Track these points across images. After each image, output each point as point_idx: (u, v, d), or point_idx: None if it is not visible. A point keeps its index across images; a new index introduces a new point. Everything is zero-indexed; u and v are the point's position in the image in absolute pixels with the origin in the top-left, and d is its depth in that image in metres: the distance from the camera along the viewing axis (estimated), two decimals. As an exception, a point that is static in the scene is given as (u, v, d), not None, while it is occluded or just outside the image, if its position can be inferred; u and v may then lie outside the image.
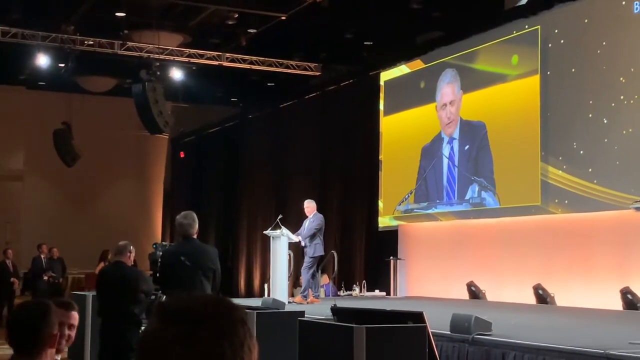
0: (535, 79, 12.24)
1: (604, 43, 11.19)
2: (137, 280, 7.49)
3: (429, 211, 14.44)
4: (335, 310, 6.25)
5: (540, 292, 11.63)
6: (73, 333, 3.81)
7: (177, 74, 18.21)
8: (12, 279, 17.32)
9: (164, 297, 9.47)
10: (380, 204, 15.64)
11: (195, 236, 7.15)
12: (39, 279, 17.72)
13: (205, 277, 6.92)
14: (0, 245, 21.13)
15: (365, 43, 17.51)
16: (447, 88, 14.20)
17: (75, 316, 3.86)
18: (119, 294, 7.39)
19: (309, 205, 12.54)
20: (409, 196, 14.95)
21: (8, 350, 3.12)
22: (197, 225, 7.18)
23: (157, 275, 11.02)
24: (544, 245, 12.06)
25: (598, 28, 11.37)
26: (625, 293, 10.36)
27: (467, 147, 13.67)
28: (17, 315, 3.15)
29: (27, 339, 3.02)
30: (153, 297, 8.90)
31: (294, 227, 12.47)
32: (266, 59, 18.13)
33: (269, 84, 20.74)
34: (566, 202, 11.56)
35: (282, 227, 11.79)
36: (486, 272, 13.05)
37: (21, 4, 15.42)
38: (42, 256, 18.12)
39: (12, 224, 22.72)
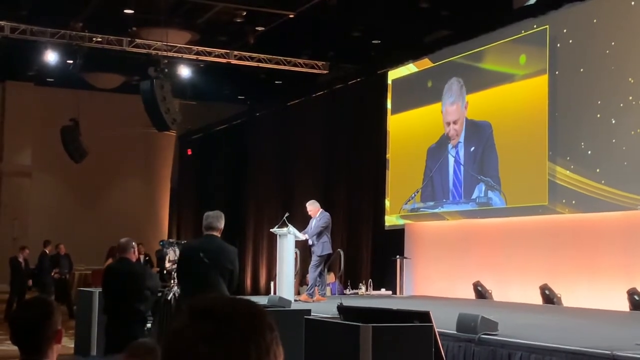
0: (544, 79, 12.21)
1: (613, 43, 11.16)
2: (142, 277, 7.51)
3: (436, 210, 14.43)
4: (341, 308, 6.25)
5: (547, 292, 11.61)
6: None
7: (185, 72, 18.23)
8: (25, 279, 17.40)
9: (171, 294, 9.50)
10: (387, 203, 15.63)
11: (218, 234, 7.11)
12: (46, 275, 17.77)
13: (221, 276, 6.83)
14: (7, 241, 21.22)
15: (373, 42, 17.49)
16: (452, 107, 14.19)
17: None
18: (124, 290, 7.40)
19: (311, 208, 12.49)
20: (415, 195, 14.94)
21: (13, 346, 3.12)
22: (222, 223, 7.13)
23: (165, 272, 11.05)
24: (550, 246, 12.04)
25: (607, 28, 11.34)
26: (632, 294, 10.33)
27: (472, 148, 13.66)
28: (21, 315, 3.14)
29: (33, 338, 3.02)
30: (160, 294, 8.92)
31: (301, 225, 12.46)
32: (274, 57, 18.14)
33: (276, 82, 20.75)
34: (573, 202, 11.54)
35: (289, 225, 11.77)
36: (492, 271, 13.03)
37: (30, 0, 15.46)
38: (48, 252, 18.17)
39: (20, 220, 22.79)
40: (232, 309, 1.38)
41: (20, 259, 17.51)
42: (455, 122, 14.09)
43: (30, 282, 17.53)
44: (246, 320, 1.37)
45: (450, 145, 14.18)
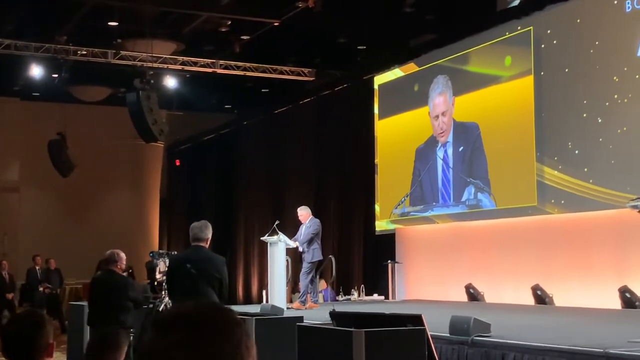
0: (529, 80, 12.25)
1: (597, 42, 11.22)
2: (124, 288, 7.57)
3: (426, 214, 14.44)
4: (334, 314, 6.23)
5: (539, 292, 11.63)
6: None
7: (171, 82, 18.19)
8: (7, 294, 17.20)
9: (162, 305, 9.46)
10: (377, 208, 15.64)
11: (206, 245, 7.08)
12: (35, 290, 17.66)
13: (210, 286, 6.81)
14: (-3, 257, 21.08)
15: (358, 47, 17.51)
16: (439, 98, 14.22)
17: None
18: (107, 301, 7.47)
19: (303, 213, 12.50)
20: (404, 200, 14.95)
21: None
22: (209, 233, 7.11)
23: (155, 283, 11.03)
24: (541, 246, 12.07)
25: (590, 28, 11.39)
26: (624, 292, 10.36)
27: (461, 149, 13.69)
28: (12, 327, 3.13)
29: (25, 350, 3.01)
30: (151, 305, 8.90)
31: (291, 233, 12.45)
32: (260, 65, 18.13)
33: (263, 90, 20.74)
34: (562, 202, 11.57)
35: (280, 232, 11.77)
36: (484, 273, 13.05)
37: (14, 15, 15.41)
38: (37, 267, 18.06)
39: (9, 235, 22.67)
40: (198, 313, 1.43)
41: (4, 274, 17.33)
42: (444, 114, 14.10)
43: (11, 296, 17.32)
44: (214, 321, 1.42)
45: (439, 145, 14.19)
